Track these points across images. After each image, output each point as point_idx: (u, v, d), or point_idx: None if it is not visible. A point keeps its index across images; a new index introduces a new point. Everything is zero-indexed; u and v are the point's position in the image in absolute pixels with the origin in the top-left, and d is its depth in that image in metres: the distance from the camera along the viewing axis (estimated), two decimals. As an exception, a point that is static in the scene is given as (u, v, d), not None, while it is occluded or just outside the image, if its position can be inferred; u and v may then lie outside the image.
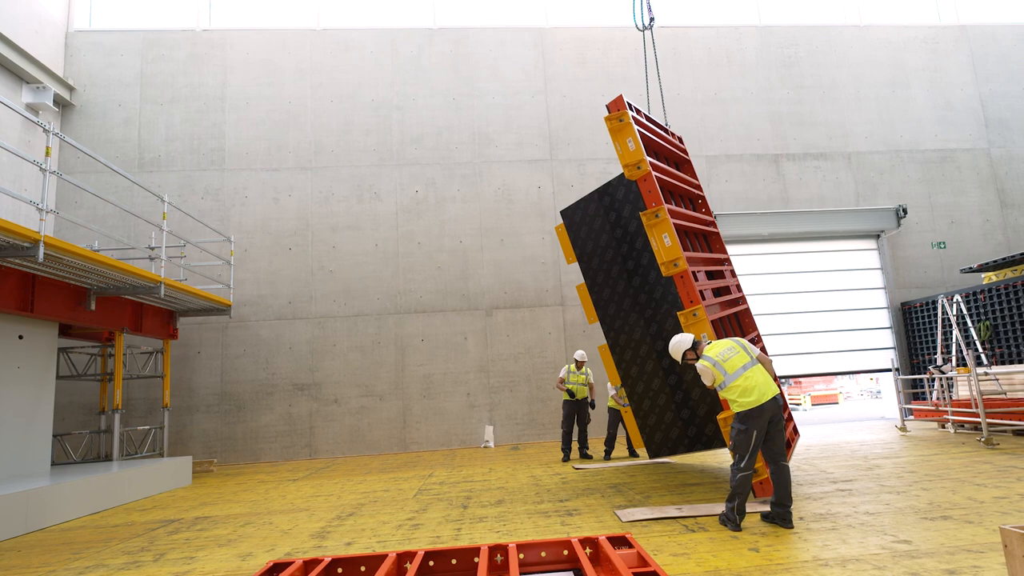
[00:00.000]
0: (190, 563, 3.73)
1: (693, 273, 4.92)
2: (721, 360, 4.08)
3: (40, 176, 5.35)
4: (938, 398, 8.86)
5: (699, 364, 4.13)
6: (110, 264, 6.04)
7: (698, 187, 6.52)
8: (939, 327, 9.14)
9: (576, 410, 7.82)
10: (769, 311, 11.05)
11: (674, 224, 5.10)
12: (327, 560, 2.50)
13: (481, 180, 11.16)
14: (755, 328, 6.21)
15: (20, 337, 6.00)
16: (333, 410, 9.77)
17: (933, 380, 8.83)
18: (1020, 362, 8.73)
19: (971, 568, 2.91)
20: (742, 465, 3.87)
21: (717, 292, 5.87)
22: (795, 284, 11.29)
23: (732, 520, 3.86)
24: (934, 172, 11.91)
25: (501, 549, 2.62)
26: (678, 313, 4.87)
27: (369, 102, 11.34)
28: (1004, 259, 9.32)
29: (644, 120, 5.80)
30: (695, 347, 4.34)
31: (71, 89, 10.58)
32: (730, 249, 11.36)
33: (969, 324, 9.02)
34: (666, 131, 6.52)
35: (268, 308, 10.19)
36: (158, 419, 9.11)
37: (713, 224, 6.45)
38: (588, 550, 2.64)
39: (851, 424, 10.41)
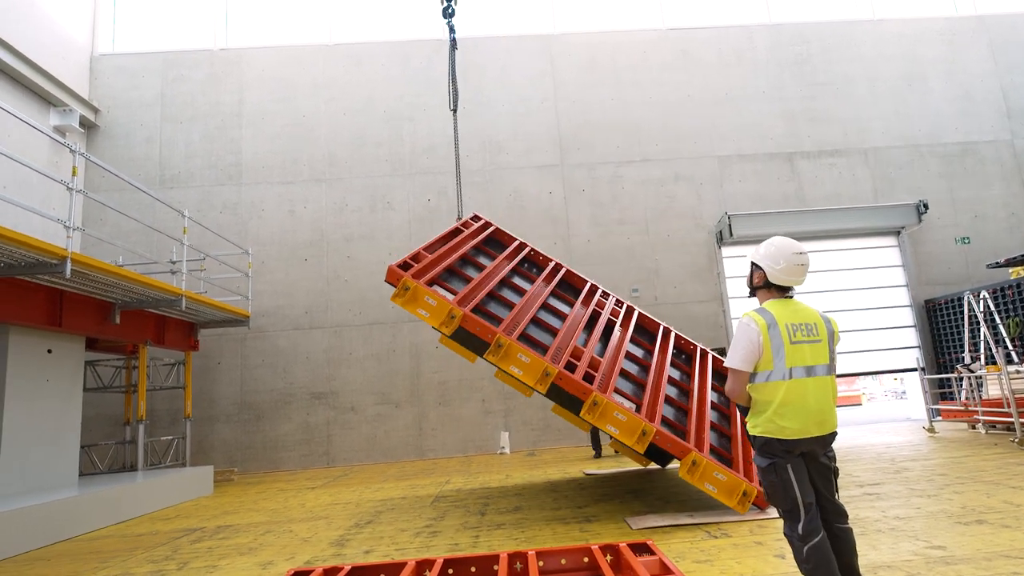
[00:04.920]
0: (212, 572, 3.79)
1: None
2: (785, 332, 2.34)
3: (67, 195, 5.55)
4: (967, 398, 8.59)
5: (746, 319, 2.43)
6: (134, 279, 6.21)
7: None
8: (966, 324, 8.87)
9: None
10: (787, 312, 10.86)
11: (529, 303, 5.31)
12: (347, 568, 2.52)
13: (492, 187, 11.23)
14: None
15: (49, 351, 6.19)
16: (350, 418, 9.86)
17: (962, 379, 8.56)
18: (1053, 359, 8.43)
19: (1011, 575, 2.80)
20: (798, 530, 2.25)
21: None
22: (815, 284, 11.07)
23: None
24: (955, 166, 11.62)
25: (521, 556, 2.62)
26: (485, 356, 4.63)
27: (381, 114, 11.52)
28: (1032, 253, 9.02)
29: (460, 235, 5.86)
30: (766, 282, 2.51)
31: (96, 111, 10.95)
32: (745, 250, 11.22)
33: (998, 321, 8.75)
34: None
35: (285, 318, 10.35)
36: (180, 429, 9.28)
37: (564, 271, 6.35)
38: (609, 557, 2.62)
39: (876, 426, 10.14)
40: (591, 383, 4.57)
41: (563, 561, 2.64)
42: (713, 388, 5.96)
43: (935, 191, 11.42)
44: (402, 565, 2.54)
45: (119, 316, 6.99)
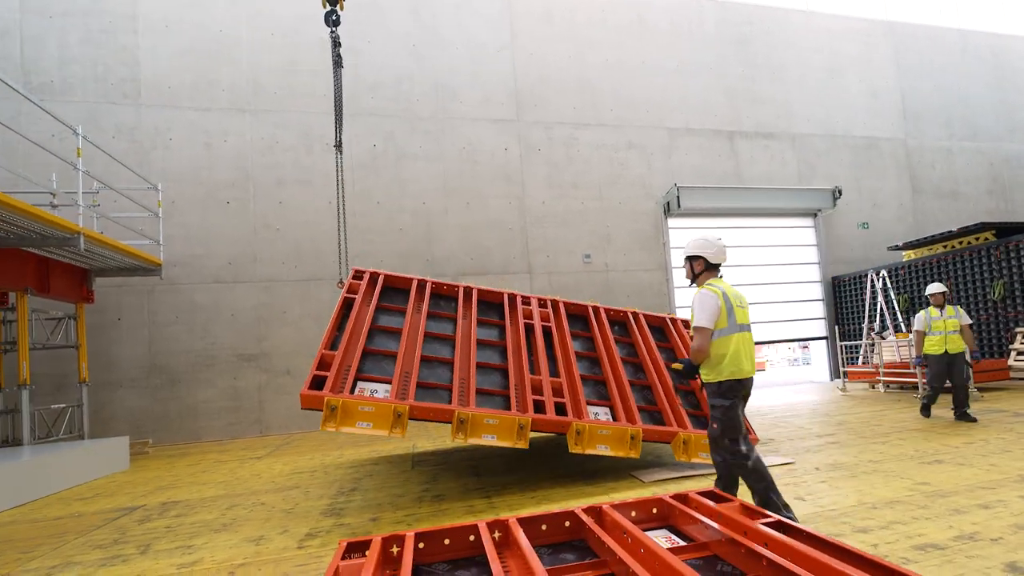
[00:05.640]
0: (191, 553, 3.15)
1: None
2: (733, 297, 3.18)
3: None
4: (875, 361, 9.88)
5: (704, 291, 3.18)
6: (18, 208, 4.83)
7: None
8: (867, 298, 10.14)
9: (948, 366, 5.98)
10: (720, 282, 11.65)
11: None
12: (410, 535, 2.16)
13: (444, 137, 10.47)
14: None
15: None
16: (286, 383, 8.90)
17: (873, 345, 9.81)
18: (931, 329, 9.94)
19: (997, 501, 3.19)
20: (743, 450, 3.06)
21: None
22: (744, 258, 11.95)
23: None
24: (862, 157, 13.02)
25: (594, 511, 2.44)
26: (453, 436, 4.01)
27: (317, 40, 10.08)
28: (924, 239, 10.46)
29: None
30: (703, 261, 3.31)
31: (-79, -16, 8.28)
32: (690, 222, 11.70)
33: (892, 296, 10.10)
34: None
35: (203, 269, 8.94)
36: (68, 397, 7.74)
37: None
38: (680, 506, 2.53)
39: (790, 387, 11.38)
40: (563, 412, 4.31)
41: (633, 513, 2.51)
42: (658, 345, 5.90)
43: (845, 179, 12.73)
44: (472, 528, 2.24)
45: (-11, 255, 5.49)
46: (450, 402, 4.05)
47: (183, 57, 9.38)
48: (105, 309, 8.36)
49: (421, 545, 2.17)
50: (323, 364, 4.05)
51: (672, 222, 11.56)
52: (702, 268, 3.35)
